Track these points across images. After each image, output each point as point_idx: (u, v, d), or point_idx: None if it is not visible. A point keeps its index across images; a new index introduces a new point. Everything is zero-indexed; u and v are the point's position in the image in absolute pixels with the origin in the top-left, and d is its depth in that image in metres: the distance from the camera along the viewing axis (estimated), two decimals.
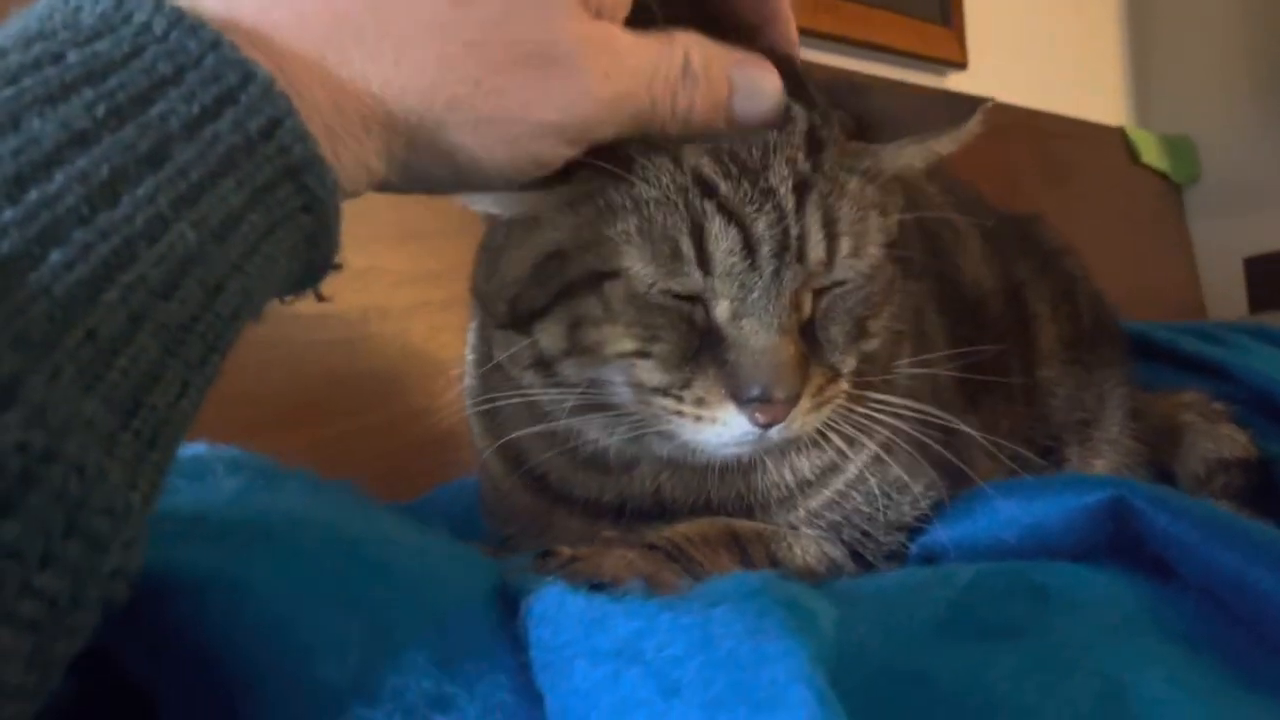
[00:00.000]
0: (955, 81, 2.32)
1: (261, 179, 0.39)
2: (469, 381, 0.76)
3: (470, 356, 0.76)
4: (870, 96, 0.64)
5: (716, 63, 0.55)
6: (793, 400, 0.58)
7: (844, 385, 0.63)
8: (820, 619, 0.42)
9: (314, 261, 0.44)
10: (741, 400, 0.58)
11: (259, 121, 0.38)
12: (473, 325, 0.76)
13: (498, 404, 0.69)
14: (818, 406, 0.61)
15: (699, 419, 0.59)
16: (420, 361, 1.24)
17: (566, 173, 0.54)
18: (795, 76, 0.60)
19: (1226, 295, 2.62)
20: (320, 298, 0.47)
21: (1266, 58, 2.67)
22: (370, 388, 1.21)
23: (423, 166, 0.48)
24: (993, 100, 0.62)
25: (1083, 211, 2.20)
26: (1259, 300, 2.40)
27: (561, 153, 0.51)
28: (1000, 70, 2.37)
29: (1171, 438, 1.02)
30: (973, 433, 0.67)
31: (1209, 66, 2.82)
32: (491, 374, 0.70)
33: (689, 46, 0.54)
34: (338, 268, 0.46)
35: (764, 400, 0.57)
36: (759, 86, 0.57)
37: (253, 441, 1.03)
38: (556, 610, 0.43)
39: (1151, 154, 2.71)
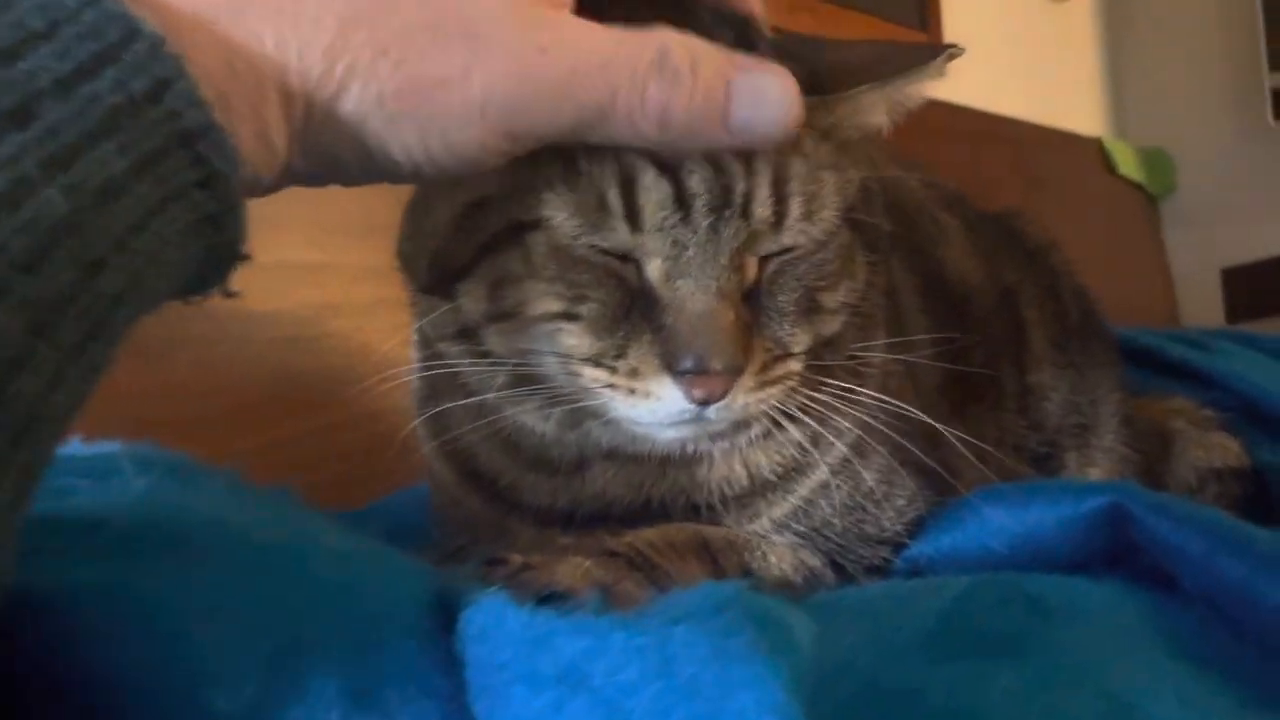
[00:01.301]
0: (930, 87, 2.29)
1: (148, 146, 0.34)
2: (415, 382, 0.70)
3: (413, 355, 0.70)
4: (826, 50, 0.58)
5: (709, 63, 0.46)
6: (732, 373, 0.53)
7: (794, 366, 0.57)
8: (797, 635, 0.37)
9: (217, 248, 0.39)
10: (675, 370, 0.52)
11: (144, 82, 0.34)
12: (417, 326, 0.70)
13: (437, 387, 0.64)
14: (762, 385, 0.55)
15: (632, 392, 0.53)
16: (379, 361, 1.19)
17: None
18: (743, 27, 0.56)
19: (1202, 307, 2.61)
20: (228, 294, 0.42)
21: (1242, 70, 2.68)
22: (325, 388, 1.15)
23: (325, 145, 0.43)
24: (961, 47, 0.57)
25: (1059, 222, 2.17)
26: (1236, 311, 2.38)
27: (487, 143, 0.44)
28: (977, 78, 2.34)
29: (1161, 445, 0.98)
30: (953, 434, 0.61)
31: (1185, 79, 2.83)
32: (424, 349, 0.65)
33: (669, 39, 0.46)
34: (245, 258, 0.41)
35: (699, 371, 0.52)
36: (764, 92, 0.48)
37: (197, 444, 0.97)
38: (495, 626, 0.37)
39: (1128, 165, 2.71)
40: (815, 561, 0.63)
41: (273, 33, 0.40)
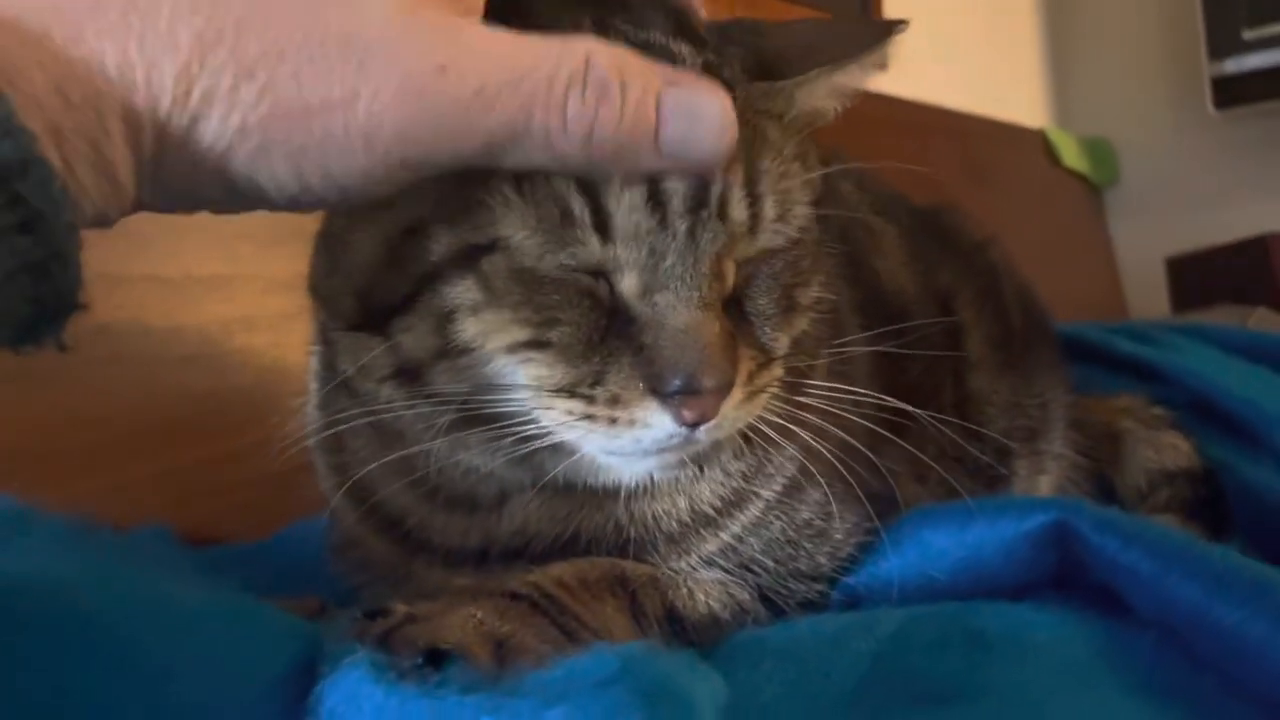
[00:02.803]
0: (874, 81, 2.26)
1: None
2: (312, 411, 0.63)
3: (313, 385, 0.64)
4: (768, 34, 0.54)
5: (639, 78, 0.41)
6: (724, 390, 0.48)
7: (778, 371, 0.53)
8: (698, 708, 0.32)
9: (45, 299, 0.34)
10: (664, 393, 0.47)
11: None
12: (315, 348, 0.63)
13: (342, 431, 0.58)
14: (750, 397, 0.51)
15: (614, 422, 0.48)
16: (295, 378, 1.12)
17: None
18: (678, 15, 0.51)
19: (1148, 296, 2.60)
20: (62, 347, 0.36)
21: (1182, 59, 2.68)
22: (236, 408, 1.08)
23: (181, 178, 0.38)
24: (907, 22, 0.53)
25: (1003, 214, 2.15)
26: (1181, 301, 2.37)
27: (375, 174, 0.39)
28: (920, 70, 2.32)
29: (1109, 447, 0.94)
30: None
31: (1127, 69, 2.83)
32: (334, 394, 0.58)
33: (594, 48, 0.41)
34: (80, 308, 0.35)
35: (690, 392, 0.47)
36: (699, 109, 0.43)
37: (87, 475, 0.90)
38: (346, 706, 0.32)
39: (1071, 156, 2.70)
40: (745, 596, 0.58)
41: (116, 52, 0.35)
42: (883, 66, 0.56)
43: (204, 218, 1.13)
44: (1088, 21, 2.89)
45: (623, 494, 0.56)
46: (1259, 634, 0.49)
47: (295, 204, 0.40)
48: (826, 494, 0.59)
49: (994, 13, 2.77)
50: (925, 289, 0.85)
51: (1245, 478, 0.90)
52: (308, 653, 0.39)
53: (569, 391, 0.48)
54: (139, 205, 0.39)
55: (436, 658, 0.39)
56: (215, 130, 0.37)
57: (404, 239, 0.49)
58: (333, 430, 0.59)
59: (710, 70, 0.49)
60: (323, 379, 0.61)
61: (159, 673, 0.33)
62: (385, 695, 0.32)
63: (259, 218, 1.14)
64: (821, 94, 0.54)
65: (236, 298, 1.08)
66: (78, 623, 0.34)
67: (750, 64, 0.52)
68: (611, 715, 0.29)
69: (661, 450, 0.50)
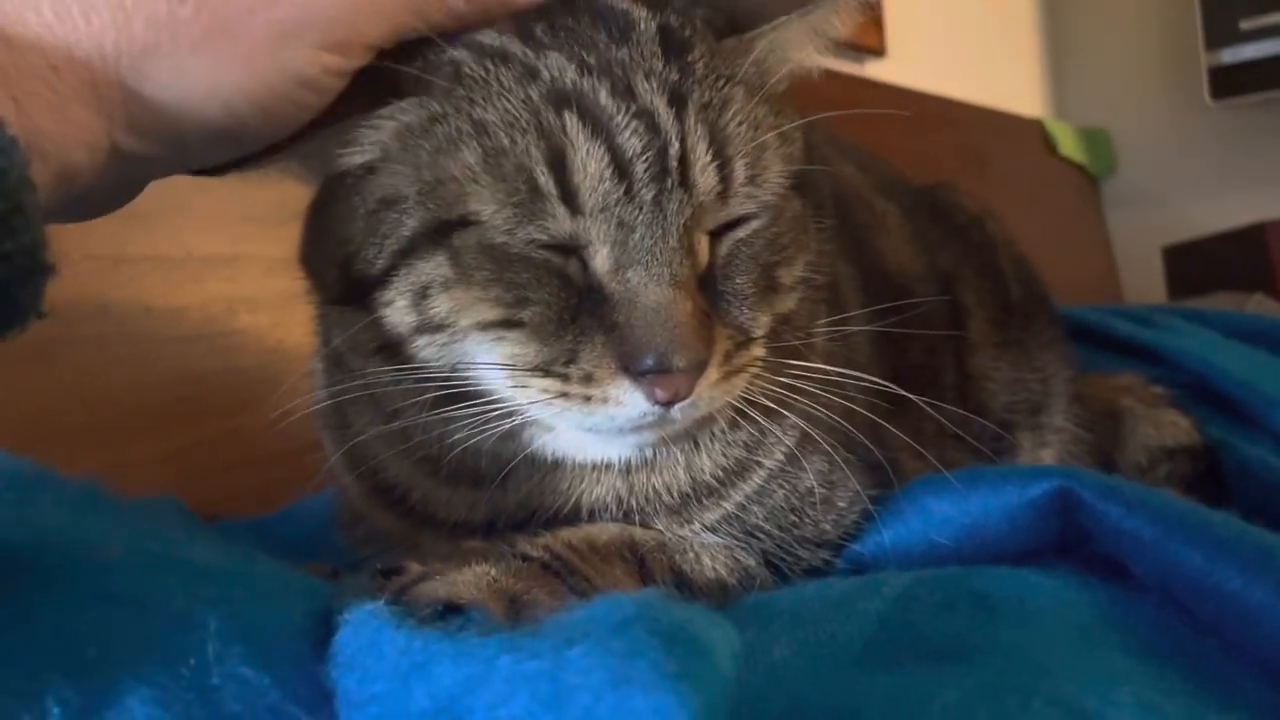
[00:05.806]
0: (874, 69, 2.26)
1: None
2: (318, 386, 0.64)
3: (316, 364, 0.64)
4: None
5: None
6: (697, 369, 0.48)
7: (758, 351, 0.53)
8: (715, 653, 0.33)
9: (11, 255, 0.34)
10: (635, 372, 0.47)
11: None
12: (322, 341, 0.63)
13: (342, 403, 0.58)
14: (728, 377, 0.51)
15: (588, 399, 0.48)
16: (297, 358, 1.12)
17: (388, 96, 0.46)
18: None
19: (1144, 285, 2.62)
20: (40, 315, 0.37)
21: (1179, 50, 2.69)
22: (239, 388, 1.08)
23: (158, 116, 0.41)
24: None
25: (1001, 203, 2.15)
26: (1177, 289, 2.38)
27: (323, 62, 0.43)
28: (920, 59, 2.33)
29: (1110, 424, 0.95)
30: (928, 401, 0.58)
31: (1124, 60, 2.84)
32: (334, 369, 0.59)
33: None
34: (48, 269, 0.36)
35: (661, 370, 0.47)
36: None
37: (88, 453, 0.91)
38: (368, 651, 0.32)
39: (1069, 146, 2.71)
40: (750, 561, 0.59)
41: (52, 4, 0.37)
42: (868, 7, 0.55)
43: (208, 198, 1.12)
44: (1086, 12, 2.90)
45: (622, 468, 0.56)
46: (1259, 599, 0.49)
47: (259, 109, 0.43)
48: (830, 463, 0.59)
49: (993, 4, 2.78)
50: (927, 267, 0.86)
51: (1243, 457, 0.91)
52: (324, 606, 0.40)
53: (543, 370, 0.49)
54: (121, 156, 0.41)
55: (452, 611, 0.40)
56: (168, 54, 0.40)
57: (382, 209, 0.49)
58: (334, 402, 0.59)
59: (668, 32, 0.50)
60: (321, 354, 0.62)
61: (178, 621, 0.34)
62: (408, 639, 0.32)
63: (264, 198, 1.13)
64: (794, 46, 0.54)
65: (239, 278, 1.08)
66: (100, 574, 0.34)
67: (719, 23, 0.52)
68: (630, 655, 0.29)
69: (637, 428, 0.50)
